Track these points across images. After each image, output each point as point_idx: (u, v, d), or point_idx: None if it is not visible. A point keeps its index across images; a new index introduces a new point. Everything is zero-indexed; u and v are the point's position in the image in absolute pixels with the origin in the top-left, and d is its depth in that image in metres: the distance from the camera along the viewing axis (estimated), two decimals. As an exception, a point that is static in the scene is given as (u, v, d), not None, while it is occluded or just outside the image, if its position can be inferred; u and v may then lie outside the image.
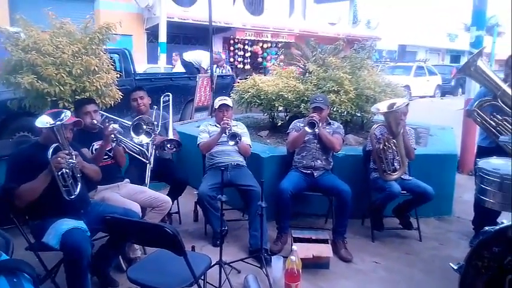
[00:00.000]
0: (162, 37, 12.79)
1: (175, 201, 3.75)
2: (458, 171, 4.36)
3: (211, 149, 3.61)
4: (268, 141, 4.69)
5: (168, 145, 3.61)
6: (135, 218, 2.67)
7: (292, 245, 2.96)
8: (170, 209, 3.40)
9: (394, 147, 3.41)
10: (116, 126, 3.04)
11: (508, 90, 3.14)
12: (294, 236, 3.26)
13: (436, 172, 3.96)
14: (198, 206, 3.68)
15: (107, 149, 3.05)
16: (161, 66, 11.95)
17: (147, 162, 3.35)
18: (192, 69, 8.83)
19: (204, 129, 3.77)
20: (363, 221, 3.91)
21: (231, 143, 3.44)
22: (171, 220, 3.88)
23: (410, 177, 3.63)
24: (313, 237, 3.24)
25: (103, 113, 3.50)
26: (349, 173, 3.82)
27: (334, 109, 4.40)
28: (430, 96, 16.71)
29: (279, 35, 16.96)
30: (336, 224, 3.44)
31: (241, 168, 3.63)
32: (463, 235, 3.75)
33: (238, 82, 5.52)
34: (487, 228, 1.51)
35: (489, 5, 5.35)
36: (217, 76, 7.70)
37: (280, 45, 16.95)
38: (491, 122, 3.26)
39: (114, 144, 3.05)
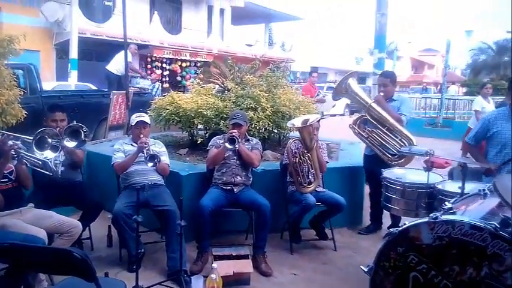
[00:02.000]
0: (73, 53, 12.15)
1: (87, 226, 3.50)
2: (366, 182, 4.67)
3: (127, 169, 3.46)
4: (187, 158, 4.62)
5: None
6: (39, 244, 2.43)
7: (212, 263, 2.92)
8: (81, 235, 3.17)
9: (308, 160, 3.56)
10: (17, 142, 2.76)
11: (374, 105, 3.56)
12: (214, 254, 3.22)
13: (347, 184, 4.22)
14: (112, 229, 3.47)
15: (8, 170, 2.76)
16: (72, 83, 11.27)
17: (53, 174, 3.02)
18: (113, 83, 8.53)
19: (119, 148, 3.60)
20: (282, 234, 3.99)
21: (150, 164, 3.32)
22: (81, 247, 3.60)
23: (324, 189, 3.81)
24: (234, 254, 3.23)
25: (2, 131, 3.17)
26: (268, 187, 3.90)
27: (253, 126, 4.48)
28: (340, 115, 17.89)
29: (198, 54, 17.02)
30: (256, 239, 3.46)
31: (159, 187, 3.51)
32: (374, 242, 4.00)
33: (156, 99, 5.38)
34: (391, 230, 1.63)
35: (389, 32, 5.97)
36: (134, 93, 7.45)
37: (199, 64, 16.99)
38: (363, 133, 3.66)
39: (16, 161, 2.76)
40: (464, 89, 20.53)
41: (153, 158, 3.30)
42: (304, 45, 26.81)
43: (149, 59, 15.91)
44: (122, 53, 8.50)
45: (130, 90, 7.19)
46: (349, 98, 4.04)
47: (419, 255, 1.51)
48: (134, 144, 3.55)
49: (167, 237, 3.26)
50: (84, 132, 3.23)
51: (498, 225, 1.35)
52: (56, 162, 3.07)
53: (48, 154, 2.93)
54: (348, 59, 27.87)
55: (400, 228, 1.60)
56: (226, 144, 3.40)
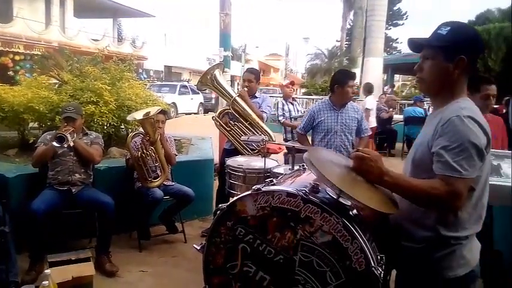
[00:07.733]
0: None
1: None
2: (215, 175, 4.81)
3: None
4: (17, 160, 4.09)
5: None
6: None
7: (45, 270, 2.62)
8: None
9: (153, 154, 3.49)
10: None
11: (238, 99, 3.72)
12: (49, 260, 2.90)
13: (197, 176, 4.28)
14: None
15: None
16: None
17: None
18: None
19: None
20: (131, 233, 3.84)
21: None
22: None
23: (173, 183, 3.79)
24: (73, 258, 2.96)
25: None
26: (114, 185, 3.72)
27: (95, 121, 4.20)
28: (195, 113, 18.14)
29: (34, 46, 15.18)
30: (99, 239, 3.28)
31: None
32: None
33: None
34: (220, 205, 1.71)
35: (238, 36, 6.24)
36: None
37: (36, 58, 15.17)
38: (226, 127, 3.79)
39: None
40: (304, 90, 22.92)
41: None
42: (158, 44, 26.30)
43: (-30, 50, 13.58)
44: None
45: None
46: (213, 90, 4.00)
47: (246, 227, 1.62)
48: None
49: (-11, 247, 2.82)
50: None
51: (308, 191, 1.54)
52: None
53: None
54: (201, 59, 28.35)
55: (228, 203, 1.69)
56: (54, 143, 3.10)
